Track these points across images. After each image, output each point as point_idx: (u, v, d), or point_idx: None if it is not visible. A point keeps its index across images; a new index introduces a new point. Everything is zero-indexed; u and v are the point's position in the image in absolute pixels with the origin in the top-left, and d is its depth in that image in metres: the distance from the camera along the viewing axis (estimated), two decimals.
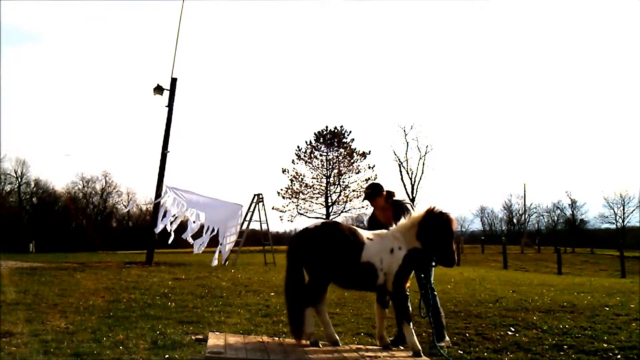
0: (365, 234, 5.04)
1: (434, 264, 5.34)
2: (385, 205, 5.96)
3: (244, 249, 21.22)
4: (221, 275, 13.29)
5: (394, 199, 6.03)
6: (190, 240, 16.63)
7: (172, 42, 20.83)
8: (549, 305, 9.17)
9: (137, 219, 59.85)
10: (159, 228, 16.52)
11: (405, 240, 4.98)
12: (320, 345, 4.91)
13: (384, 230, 5.21)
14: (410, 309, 5.86)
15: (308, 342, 4.91)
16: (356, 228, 5.11)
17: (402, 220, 5.11)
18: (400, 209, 5.60)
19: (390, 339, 5.66)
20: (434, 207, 5.02)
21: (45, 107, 78.93)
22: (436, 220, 4.93)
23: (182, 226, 17.37)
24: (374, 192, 6.02)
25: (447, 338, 5.91)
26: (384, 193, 6.02)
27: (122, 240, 49.79)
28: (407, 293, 5.92)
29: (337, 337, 5.13)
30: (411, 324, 4.99)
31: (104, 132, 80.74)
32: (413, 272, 5.23)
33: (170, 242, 16.74)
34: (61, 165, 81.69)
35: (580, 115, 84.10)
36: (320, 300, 4.98)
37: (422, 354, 4.85)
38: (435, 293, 5.92)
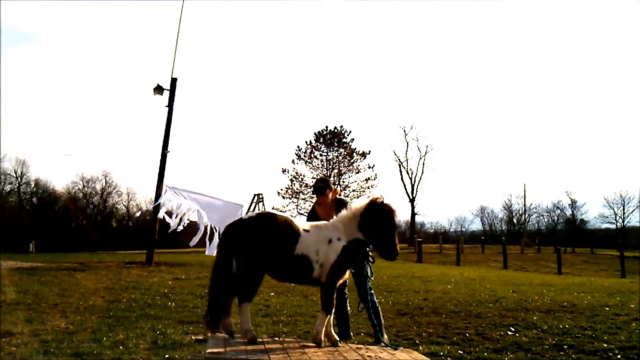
0: (302, 225, 4.88)
1: (371, 258, 5.16)
2: (330, 202, 5.84)
3: None
4: None
5: (338, 197, 5.93)
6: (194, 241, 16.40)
7: (172, 42, 20.86)
8: (549, 305, 9.18)
9: (137, 219, 59.78)
10: (175, 227, 16.19)
11: (346, 230, 4.81)
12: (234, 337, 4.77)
13: (324, 222, 5.05)
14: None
15: (224, 333, 4.76)
16: (292, 219, 4.93)
17: (344, 211, 4.97)
18: (343, 206, 5.41)
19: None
20: (377, 198, 4.89)
21: (45, 107, 78.92)
22: (378, 211, 4.79)
23: (191, 226, 17.17)
24: (326, 185, 5.88)
25: (386, 336, 5.80)
26: (334, 189, 5.91)
27: (122, 240, 49.69)
28: (347, 294, 5.78)
29: (234, 329, 4.90)
30: (330, 316, 4.80)
31: (104, 132, 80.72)
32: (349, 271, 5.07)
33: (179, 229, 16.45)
34: (61, 165, 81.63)
35: (580, 115, 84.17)
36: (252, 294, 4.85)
37: (322, 345, 4.72)
38: (373, 291, 5.81)
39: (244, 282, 4.74)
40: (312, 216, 5.92)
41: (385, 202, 4.88)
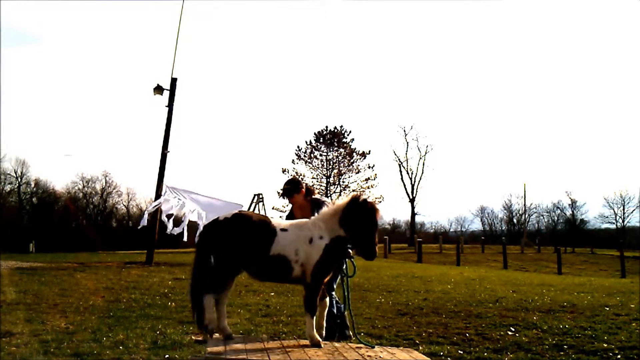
0: (280, 224, 4.78)
1: (352, 253, 5.00)
2: (304, 203, 5.67)
3: None
4: None
5: (314, 196, 5.75)
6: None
7: (172, 42, 20.89)
8: (549, 305, 9.17)
9: (137, 219, 59.70)
10: (174, 231, 16.12)
11: (327, 228, 4.70)
12: (214, 334, 4.74)
13: (305, 220, 4.94)
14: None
15: (210, 332, 4.74)
16: (270, 218, 4.86)
17: (325, 208, 4.89)
18: (320, 207, 5.29)
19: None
20: (359, 195, 4.81)
21: (46, 108, 78.91)
22: (360, 208, 4.68)
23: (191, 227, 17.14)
24: (292, 187, 5.70)
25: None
26: (304, 190, 5.73)
27: (122, 240, 49.68)
28: (336, 297, 5.69)
29: (230, 331, 4.88)
30: (314, 318, 4.77)
31: (104, 132, 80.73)
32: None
33: (185, 240, 16.42)
34: (61, 165, 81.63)
35: (580, 115, 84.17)
36: (224, 290, 4.81)
37: (321, 345, 4.70)
38: (335, 294, 5.69)
39: (213, 275, 4.69)
40: (290, 218, 5.80)
41: (368, 199, 4.81)
